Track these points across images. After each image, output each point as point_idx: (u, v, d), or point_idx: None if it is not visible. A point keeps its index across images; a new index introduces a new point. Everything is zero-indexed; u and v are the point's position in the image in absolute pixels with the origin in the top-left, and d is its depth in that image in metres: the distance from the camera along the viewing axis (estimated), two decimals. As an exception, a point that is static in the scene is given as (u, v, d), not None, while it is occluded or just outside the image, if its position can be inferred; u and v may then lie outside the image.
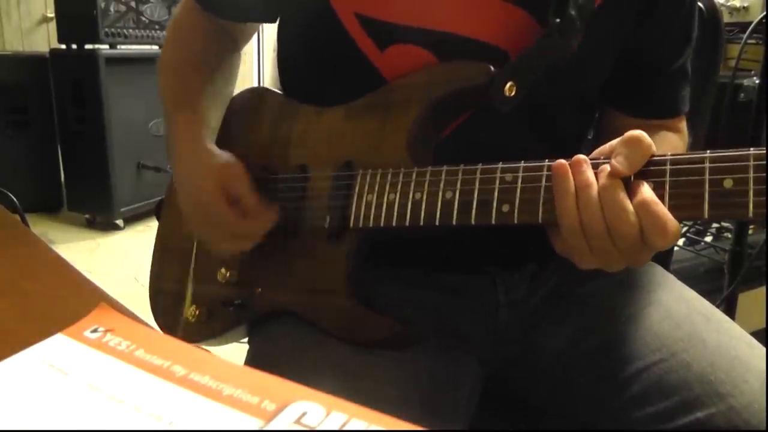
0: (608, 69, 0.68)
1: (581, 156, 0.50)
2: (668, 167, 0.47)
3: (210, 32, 0.78)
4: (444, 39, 0.61)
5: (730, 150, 0.45)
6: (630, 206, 0.47)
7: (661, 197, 0.46)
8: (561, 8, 0.58)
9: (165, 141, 0.75)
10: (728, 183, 0.44)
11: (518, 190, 0.52)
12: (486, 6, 0.60)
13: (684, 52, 0.70)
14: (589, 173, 0.49)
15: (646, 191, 0.46)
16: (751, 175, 0.43)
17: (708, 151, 0.45)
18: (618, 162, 0.48)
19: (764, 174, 0.43)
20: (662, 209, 0.46)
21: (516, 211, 0.51)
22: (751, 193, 0.43)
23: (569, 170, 0.49)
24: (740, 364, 0.57)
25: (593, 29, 0.61)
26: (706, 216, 0.45)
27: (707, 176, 0.45)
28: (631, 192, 0.47)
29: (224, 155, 0.68)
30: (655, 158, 0.48)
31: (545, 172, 0.51)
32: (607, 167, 0.48)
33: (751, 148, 0.44)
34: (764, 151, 0.43)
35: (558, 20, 0.58)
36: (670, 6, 0.67)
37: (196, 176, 0.67)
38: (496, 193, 0.53)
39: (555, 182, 0.49)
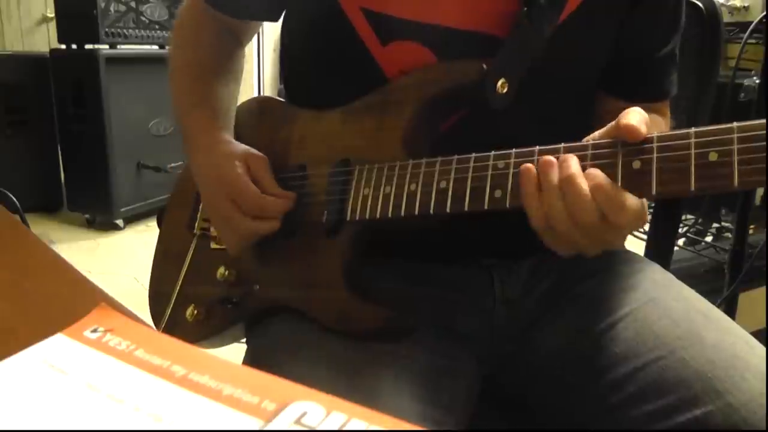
0: (601, 61, 0.69)
1: (549, 158, 0.51)
2: (655, 144, 0.48)
3: (215, 32, 0.80)
4: (445, 34, 0.62)
5: (715, 125, 0.46)
6: (587, 191, 0.49)
7: (648, 173, 0.48)
8: None
9: (181, 141, 0.76)
10: (713, 156, 0.45)
11: (510, 176, 0.53)
12: None
13: (672, 38, 0.71)
14: (553, 175, 0.50)
15: (597, 175, 0.49)
16: (735, 146, 0.45)
17: (693, 128, 0.47)
18: (631, 124, 0.49)
19: (748, 145, 0.44)
20: (613, 187, 0.48)
21: (508, 195, 0.53)
22: (735, 164, 0.45)
23: (533, 173, 0.51)
24: (739, 362, 0.57)
25: (578, 21, 0.62)
26: (693, 188, 0.46)
27: (693, 151, 0.46)
28: (587, 179, 0.49)
29: (245, 145, 0.70)
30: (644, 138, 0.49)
31: (536, 157, 0.53)
32: (568, 157, 0.50)
33: (734, 122, 0.45)
34: (748, 124, 0.45)
35: (525, 8, 0.59)
36: None
37: (218, 161, 0.68)
38: (488, 180, 0.54)
39: (521, 183, 0.52)
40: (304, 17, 0.72)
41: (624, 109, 0.51)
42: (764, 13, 1.46)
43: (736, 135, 0.45)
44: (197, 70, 0.78)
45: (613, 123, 0.51)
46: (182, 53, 0.81)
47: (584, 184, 0.49)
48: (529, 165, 0.51)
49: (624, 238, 0.52)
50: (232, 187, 0.66)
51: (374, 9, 0.64)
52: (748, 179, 0.44)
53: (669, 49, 0.71)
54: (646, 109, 0.70)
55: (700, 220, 2.04)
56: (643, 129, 0.49)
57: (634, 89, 0.71)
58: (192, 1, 0.80)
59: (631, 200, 0.48)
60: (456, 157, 0.56)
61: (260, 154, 0.68)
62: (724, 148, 0.45)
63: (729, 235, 1.83)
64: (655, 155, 0.48)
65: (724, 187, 0.45)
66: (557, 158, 0.51)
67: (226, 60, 0.80)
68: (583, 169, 0.50)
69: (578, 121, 0.72)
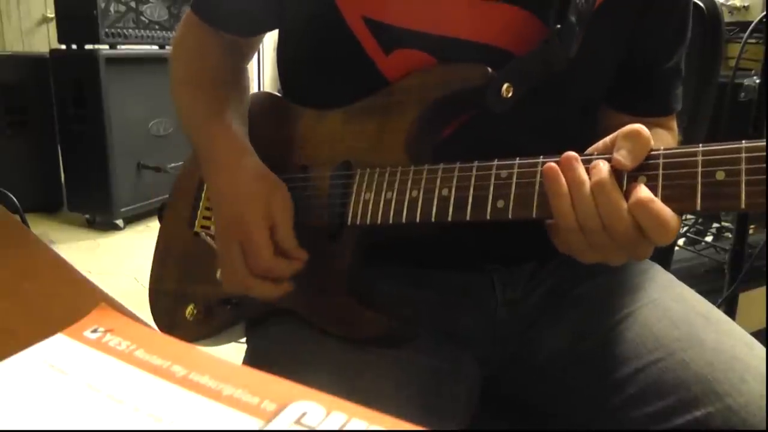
0: (610, 72, 0.68)
1: (571, 153, 0.50)
2: (661, 161, 0.47)
3: (219, 47, 0.78)
4: (449, 43, 0.62)
5: (723, 143, 0.45)
6: (623, 204, 0.47)
7: (654, 189, 0.46)
8: (562, 13, 0.58)
9: (182, 140, 0.72)
10: (720, 175, 0.44)
11: (513, 186, 0.52)
12: (491, 9, 0.61)
13: (678, 51, 0.70)
14: (581, 170, 0.49)
15: (642, 190, 0.46)
16: (743, 167, 0.43)
17: (701, 145, 0.46)
18: (621, 156, 0.48)
19: (756, 166, 0.43)
20: (660, 206, 0.46)
21: (510, 206, 0.52)
22: (743, 185, 0.43)
23: (560, 172, 0.49)
24: (739, 363, 0.57)
25: (592, 33, 0.61)
26: (698, 208, 0.45)
27: (700, 168, 0.45)
28: (627, 191, 0.47)
29: (272, 176, 0.65)
30: (649, 153, 0.48)
31: (539, 168, 0.51)
32: (599, 164, 0.49)
33: (744, 141, 0.44)
34: (757, 144, 0.43)
35: (558, 26, 0.58)
36: (665, 5, 0.67)
37: (240, 194, 0.63)
38: (491, 189, 0.53)
39: (546, 184, 0.50)
40: (305, 26, 0.70)
41: (627, 123, 0.50)
42: (764, 12, 1.46)
43: (744, 155, 0.44)
44: (205, 82, 0.74)
45: (613, 135, 0.50)
46: (184, 68, 0.78)
47: (617, 192, 0.47)
48: (552, 164, 0.49)
49: (651, 250, 0.50)
50: (246, 234, 0.61)
51: (376, 18, 0.63)
52: (756, 201, 0.43)
53: (674, 63, 0.70)
54: (652, 124, 0.69)
55: (700, 220, 2.04)
56: (629, 161, 0.47)
57: (639, 104, 0.70)
58: (190, 19, 0.77)
59: (672, 215, 0.46)
60: (458, 164, 0.56)
61: (284, 191, 0.63)
62: (732, 168, 0.44)
63: (729, 235, 1.83)
64: (660, 171, 0.47)
65: (731, 207, 0.44)
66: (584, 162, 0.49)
67: (231, 75, 0.78)
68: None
69: (583, 130, 0.72)
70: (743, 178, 0.43)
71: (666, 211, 0.46)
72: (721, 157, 0.45)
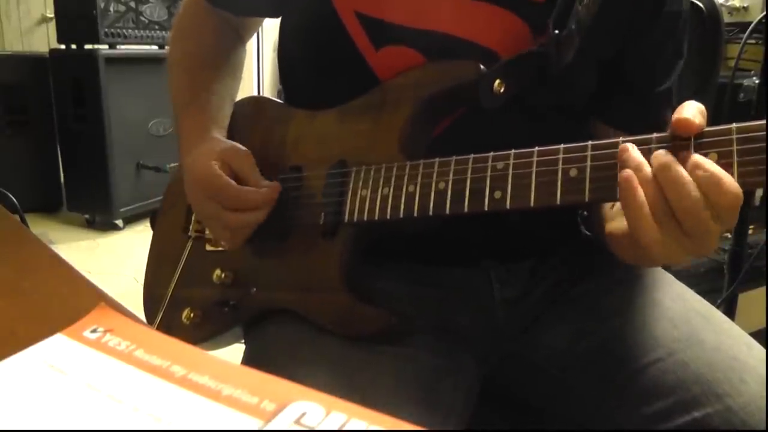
0: (596, 78, 0.68)
1: (627, 145, 0.48)
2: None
3: (216, 28, 0.80)
4: (439, 40, 0.62)
5: (713, 126, 0.46)
6: (689, 178, 0.45)
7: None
8: (562, 20, 0.59)
9: (177, 139, 0.76)
10: (713, 157, 0.45)
11: (510, 177, 0.53)
12: (480, 9, 0.61)
13: (674, 72, 0.69)
14: (639, 156, 0.47)
15: (697, 157, 0.45)
16: (735, 148, 0.44)
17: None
18: (683, 116, 0.46)
19: (748, 146, 0.43)
20: (716, 168, 0.44)
21: (508, 197, 0.52)
22: (735, 165, 0.44)
23: (635, 181, 0.47)
24: (738, 364, 0.57)
25: (589, 40, 0.61)
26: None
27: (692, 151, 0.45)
28: (686, 165, 0.45)
29: (230, 142, 0.69)
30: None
31: (535, 158, 0.52)
32: (659, 152, 0.47)
33: (734, 123, 0.45)
34: (747, 125, 0.44)
35: (557, 32, 0.58)
36: (665, 26, 0.66)
37: (197, 160, 0.67)
38: (488, 181, 0.54)
39: (622, 194, 0.47)
40: (300, 19, 0.72)
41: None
42: (764, 13, 1.46)
43: (735, 136, 0.44)
44: (194, 64, 0.78)
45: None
46: (181, 46, 0.81)
47: (683, 170, 0.45)
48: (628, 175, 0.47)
49: (716, 241, 0.47)
50: (208, 184, 0.65)
51: (368, 13, 0.63)
52: (748, 180, 0.43)
53: (671, 83, 0.69)
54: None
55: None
56: (697, 120, 0.46)
57: (634, 123, 0.69)
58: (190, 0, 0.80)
59: (731, 180, 0.44)
60: (454, 158, 0.56)
61: (243, 148, 0.67)
62: (724, 150, 0.44)
63: (728, 235, 1.83)
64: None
65: None
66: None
67: (224, 54, 0.80)
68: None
69: (574, 128, 0.72)
70: (735, 159, 0.44)
71: (723, 173, 0.44)
72: (713, 139, 0.45)
